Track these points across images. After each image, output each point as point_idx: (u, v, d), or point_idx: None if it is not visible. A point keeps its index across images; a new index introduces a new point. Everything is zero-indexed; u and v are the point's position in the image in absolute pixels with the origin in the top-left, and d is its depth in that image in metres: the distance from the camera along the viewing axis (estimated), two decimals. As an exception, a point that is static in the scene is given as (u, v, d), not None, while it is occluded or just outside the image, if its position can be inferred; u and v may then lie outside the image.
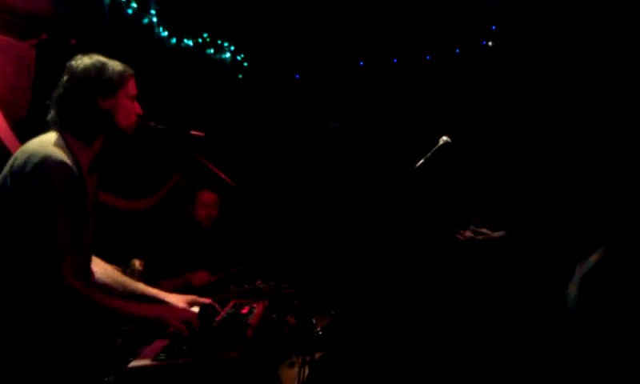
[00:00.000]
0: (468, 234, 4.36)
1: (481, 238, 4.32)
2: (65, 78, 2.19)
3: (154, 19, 4.65)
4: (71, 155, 2.09)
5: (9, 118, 3.46)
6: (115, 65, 2.23)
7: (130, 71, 2.28)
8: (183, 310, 2.42)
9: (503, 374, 4.15)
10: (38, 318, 2.05)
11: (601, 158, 4.59)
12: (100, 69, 2.18)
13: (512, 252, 4.37)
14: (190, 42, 5.18)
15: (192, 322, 2.30)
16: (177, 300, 2.56)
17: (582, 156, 4.69)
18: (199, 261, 4.18)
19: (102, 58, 2.23)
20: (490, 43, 5.61)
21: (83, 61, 2.20)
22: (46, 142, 2.08)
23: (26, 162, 2.00)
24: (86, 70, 2.17)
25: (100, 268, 2.48)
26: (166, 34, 4.83)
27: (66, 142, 2.12)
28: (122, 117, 2.24)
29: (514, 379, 4.09)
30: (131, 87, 2.28)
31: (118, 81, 2.21)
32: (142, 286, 2.59)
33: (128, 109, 2.26)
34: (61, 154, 2.03)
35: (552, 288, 4.32)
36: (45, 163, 1.99)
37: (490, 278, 4.44)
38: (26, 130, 2.22)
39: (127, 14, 4.40)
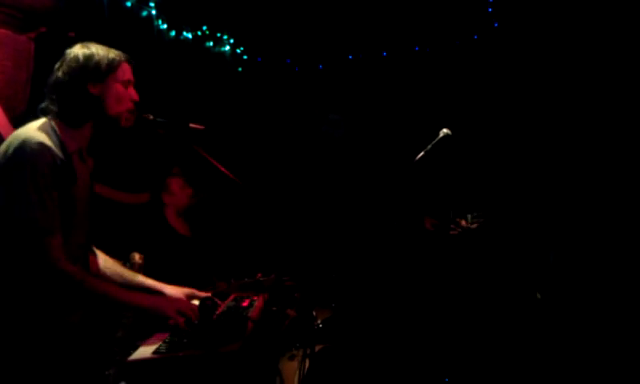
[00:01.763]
0: (464, 223, 4.35)
1: (456, 232, 4.32)
2: (58, 65, 2.24)
3: (153, 12, 4.63)
4: (56, 139, 2.13)
5: (8, 111, 3.45)
6: (106, 51, 2.27)
7: (122, 57, 2.30)
8: (180, 300, 2.42)
9: (499, 364, 4.18)
10: (29, 302, 2.06)
11: (590, 156, 4.61)
12: (89, 55, 2.23)
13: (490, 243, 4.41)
14: (190, 35, 5.16)
15: (189, 313, 2.29)
16: (175, 292, 2.58)
17: (572, 152, 4.71)
18: (196, 256, 4.18)
19: (94, 46, 2.26)
20: (490, 35, 5.60)
21: (76, 49, 2.25)
22: (31, 127, 2.12)
23: (8, 147, 2.06)
24: (76, 57, 2.22)
25: (100, 259, 2.50)
26: (165, 26, 4.82)
27: (52, 126, 2.16)
28: (111, 102, 2.26)
29: (511, 371, 4.13)
30: (123, 73, 2.30)
31: (107, 66, 2.24)
32: (141, 278, 2.61)
33: (119, 94, 2.27)
34: (41, 137, 2.06)
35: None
36: (23, 146, 2.03)
37: (477, 270, 4.47)
38: (25, 123, 2.20)
39: (126, 6, 4.39)
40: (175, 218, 4.20)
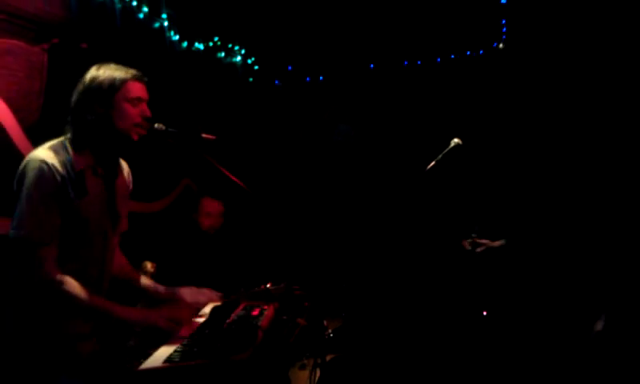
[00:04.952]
0: (467, 245, 4.39)
1: (480, 249, 4.35)
2: (76, 88, 2.32)
3: (165, 23, 4.66)
4: (65, 157, 2.20)
5: (21, 122, 3.48)
6: (111, 71, 2.31)
7: (128, 75, 2.33)
8: (165, 310, 2.43)
9: (508, 376, 4.15)
10: (32, 313, 2.16)
11: (607, 164, 4.57)
12: (94, 77, 2.29)
13: (512, 260, 4.40)
14: (201, 46, 5.19)
15: (180, 319, 2.37)
16: (190, 291, 2.70)
17: (588, 161, 4.68)
18: (208, 265, 4.19)
19: (103, 67, 2.32)
20: (500, 45, 5.59)
21: (89, 72, 2.32)
22: (43, 146, 2.22)
23: (20, 166, 2.19)
24: (84, 81, 2.30)
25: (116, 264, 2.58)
26: (177, 37, 4.85)
27: (64, 144, 2.25)
28: (118, 120, 2.29)
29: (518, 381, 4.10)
30: (131, 90, 2.32)
31: (109, 86, 2.27)
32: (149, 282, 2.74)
33: (126, 112, 2.30)
34: (45, 155, 2.15)
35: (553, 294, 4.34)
36: (26, 165, 2.16)
37: (492, 285, 4.46)
38: (39, 134, 2.24)
39: (138, 18, 4.42)
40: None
